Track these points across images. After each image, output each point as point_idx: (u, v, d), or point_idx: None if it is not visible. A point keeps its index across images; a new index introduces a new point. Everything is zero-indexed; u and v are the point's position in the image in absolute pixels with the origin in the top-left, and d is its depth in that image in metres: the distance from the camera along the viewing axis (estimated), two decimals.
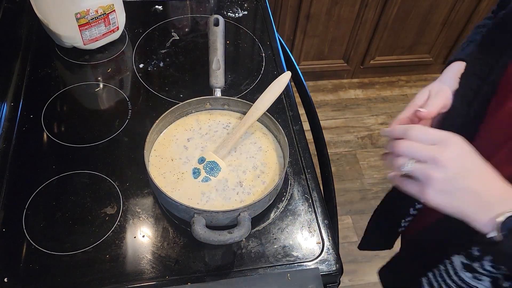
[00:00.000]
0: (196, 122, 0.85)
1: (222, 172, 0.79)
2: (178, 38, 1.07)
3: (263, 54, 1.06)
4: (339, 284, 0.75)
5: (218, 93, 0.86)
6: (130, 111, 0.91)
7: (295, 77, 1.07)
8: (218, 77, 0.86)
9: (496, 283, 0.64)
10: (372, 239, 0.97)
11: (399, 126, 0.55)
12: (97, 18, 0.96)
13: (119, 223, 0.75)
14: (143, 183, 0.80)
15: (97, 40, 1.00)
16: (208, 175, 0.78)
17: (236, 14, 1.15)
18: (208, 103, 0.86)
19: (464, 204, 0.51)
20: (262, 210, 0.76)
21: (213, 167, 0.79)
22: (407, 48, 2.19)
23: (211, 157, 0.79)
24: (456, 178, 0.50)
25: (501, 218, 0.49)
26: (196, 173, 0.78)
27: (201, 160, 0.80)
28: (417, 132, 0.53)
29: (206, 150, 0.81)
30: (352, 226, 1.83)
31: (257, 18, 1.16)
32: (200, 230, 0.66)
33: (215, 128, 0.85)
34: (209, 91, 0.88)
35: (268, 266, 0.72)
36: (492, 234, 0.49)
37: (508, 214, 0.49)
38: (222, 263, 0.73)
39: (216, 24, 0.93)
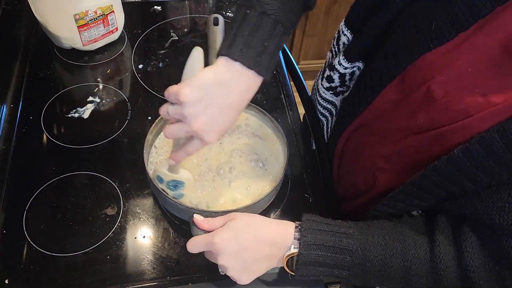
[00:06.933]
0: None
1: (188, 184, 0.71)
2: (177, 38, 1.07)
3: None
4: (340, 284, 0.75)
5: None
6: (129, 111, 0.91)
7: (294, 77, 1.07)
8: None
9: None
10: None
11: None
12: (96, 19, 0.96)
13: (119, 224, 0.75)
14: (143, 184, 0.80)
15: (96, 41, 1.00)
16: (177, 191, 0.72)
17: None
18: None
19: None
20: (262, 211, 0.76)
21: (176, 184, 0.71)
22: None
23: (167, 176, 0.70)
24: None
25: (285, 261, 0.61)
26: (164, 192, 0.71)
27: (160, 179, 0.71)
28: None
29: (157, 167, 0.73)
30: None
31: None
32: (199, 231, 0.66)
33: None
34: None
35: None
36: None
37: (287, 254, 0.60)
38: None
39: (216, 23, 0.93)
